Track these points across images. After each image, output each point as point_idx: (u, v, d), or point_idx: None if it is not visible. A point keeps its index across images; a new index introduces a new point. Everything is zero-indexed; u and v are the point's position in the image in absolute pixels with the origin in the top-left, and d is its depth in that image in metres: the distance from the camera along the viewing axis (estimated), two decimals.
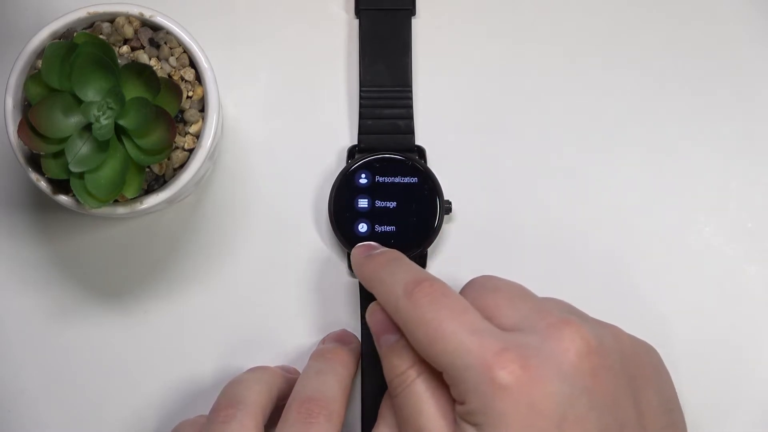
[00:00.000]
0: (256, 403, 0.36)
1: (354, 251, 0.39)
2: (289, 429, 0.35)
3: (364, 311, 0.41)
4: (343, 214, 0.41)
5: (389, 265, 0.36)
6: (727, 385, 0.42)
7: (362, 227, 0.41)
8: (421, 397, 0.33)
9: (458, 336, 0.32)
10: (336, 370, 0.38)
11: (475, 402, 0.31)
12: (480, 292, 0.35)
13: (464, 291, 0.35)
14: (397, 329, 0.35)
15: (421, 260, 0.42)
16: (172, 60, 0.38)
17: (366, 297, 0.41)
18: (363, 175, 0.41)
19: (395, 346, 0.35)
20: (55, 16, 0.38)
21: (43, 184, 0.37)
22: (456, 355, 0.32)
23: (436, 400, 0.33)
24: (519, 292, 0.35)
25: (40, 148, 0.35)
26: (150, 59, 0.38)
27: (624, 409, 0.32)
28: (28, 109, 0.36)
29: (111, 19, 0.38)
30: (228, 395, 0.37)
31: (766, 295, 0.43)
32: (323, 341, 0.41)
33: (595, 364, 0.32)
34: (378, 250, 0.38)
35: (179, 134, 0.38)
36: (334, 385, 0.37)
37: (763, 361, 0.42)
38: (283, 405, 0.37)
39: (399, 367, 0.34)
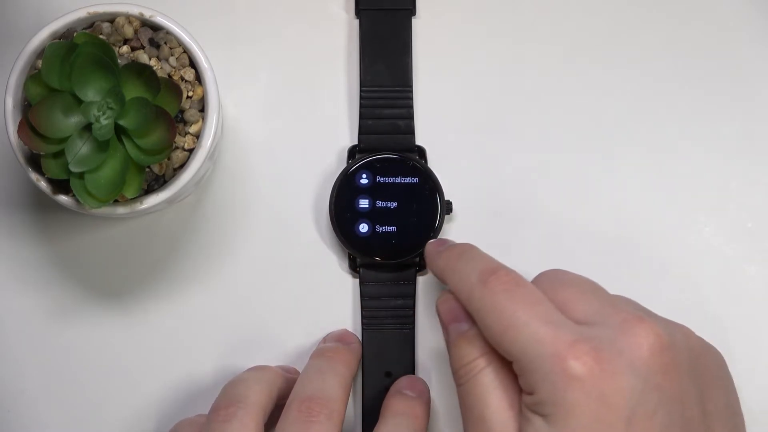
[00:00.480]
0: (256, 402, 0.36)
1: (428, 246, 0.39)
2: (290, 427, 0.35)
3: (364, 311, 0.41)
4: (344, 214, 0.41)
5: (464, 255, 0.36)
6: None
7: (363, 227, 0.41)
8: (488, 387, 0.34)
9: (532, 325, 0.32)
10: (337, 370, 0.38)
11: (545, 392, 0.31)
12: (552, 284, 0.35)
13: (536, 283, 0.35)
14: (469, 319, 0.35)
15: (422, 260, 0.42)
16: (172, 60, 0.38)
17: (367, 297, 0.41)
18: (363, 175, 0.41)
19: (466, 335, 0.35)
20: (55, 16, 0.38)
21: (43, 184, 0.37)
22: (529, 344, 0.32)
23: (503, 390, 0.33)
24: (591, 287, 0.35)
25: (40, 148, 0.35)
26: (150, 59, 0.38)
27: (691, 408, 0.32)
28: (28, 109, 0.36)
29: (111, 19, 0.38)
30: (228, 394, 0.37)
31: (766, 295, 0.43)
32: (324, 340, 0.41)
33: (667, 361, 0.32)
34: (451, 243, 0.38)
35: (179, 134, 0.38)
36: (335, 384, 0.37)
37: (763, 362, 0.42)
38: (283, 404, 0.37)
39: (468, 356, 0.34)
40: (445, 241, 0.39)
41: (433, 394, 0.41)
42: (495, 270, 0.34)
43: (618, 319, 0.33)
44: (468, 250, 0.37)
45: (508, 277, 0.34)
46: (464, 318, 0.35)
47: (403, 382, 0.40)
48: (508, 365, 0.33)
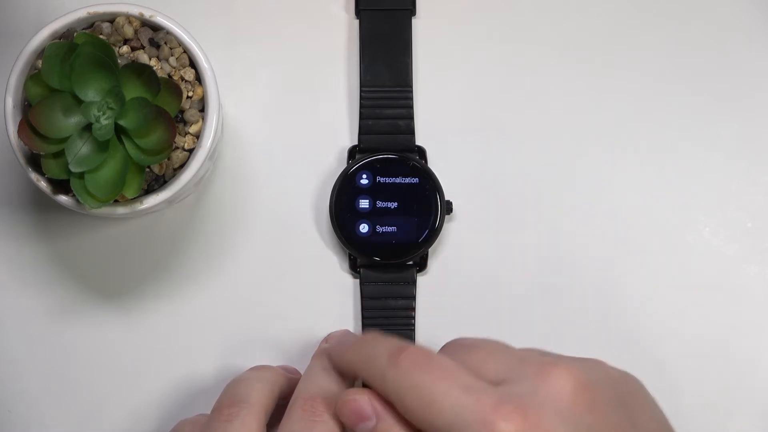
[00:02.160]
0: (259, 402, 0.36)
1: (329, 341, 0.39)
2: (293, 426, 0.35)
3: (365, 311, 0.41)
4: (344, 215, 0.41)
5: (368, 343, 0.35)
6: (726, 386, 0.42)
7: (363, 227, 0.41)
8: None
9: (452, 395, 0.31)
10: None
11: None
12: (459, 351, 0.34)
13: (442, 353, 0.35)
14: (373, 413, 0.34)
15: (422, 260, 0.42)
16: (172, 60, 0.38)
17: (367, 297, 0.41)
18: (364, 176, 0.41)
19: (375, 430, 0.34)
20: (55, 16, 0.38)
21: (43, 184, 0.37)
22: (453, 414, 0.31)
23: None
24: (497, 346, 0.34)
25: (40, 148, 0.35)
26: (150, 59, 0.38)
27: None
28: (28, 109, 0.36)
29: (111, 19, 0.38)
30: (230, 394, 0.37)
31: (766, 295, 0.43)
32: (325, 341, 0.41)
33: (591, 399, 0.32)
34: (353, 336, 0.38)
35: (179, 134, 0.38)
36: (338, 383, 0.37)
37: (763, 361, 0.42)
38: (284, 404, 0.37)
39: None
40: (345, 333, 0.40)
41: None
42: (403, 348, 0.33)
43: (532, 371, 0.32)
44: (371, 338, 0.36)
45: (417, 352, 0.33)
46: (368, 414, 0.34)
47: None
48: None
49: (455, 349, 0.35)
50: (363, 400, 0.34)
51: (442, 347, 0.36)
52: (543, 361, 0.33)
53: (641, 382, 0.35)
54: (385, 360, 0.33)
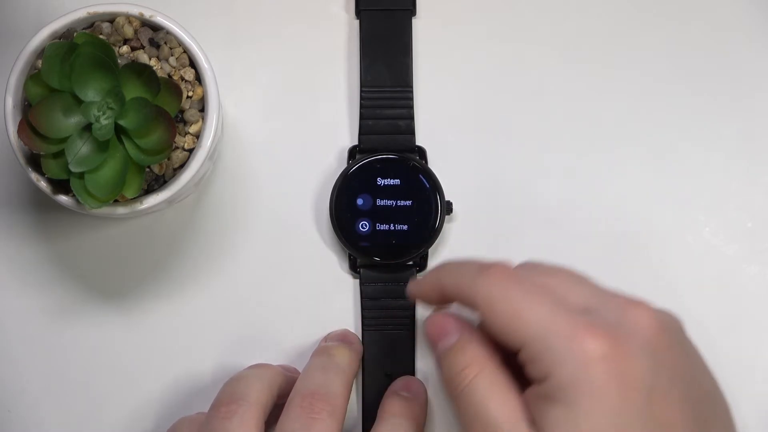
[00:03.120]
0: (257, 399, 0.36)
1: (409, 285, 0.39)
2: (292, 423, 0.35)
3: (365, 311, 0.41)
4: (345, 215, 0.41)
5: (449, 263, 0.36)
6: (725, 385, 0.42)
7: (363, 227, 0.41)
8: (486, 391, 0.33)
9: (543, 308, 0.32)
10: (339, 368, 0.38)
11: (563, 374, 0.31)
12: (540, 273, 0.35)
13: (520, 269, 0.35)
14: (456, 330, 0.35)
15: (422, 260, 0.42)
16: (172, 60, 0.38)
17: (367, 297, 0.41)
18: (364, 176, 0.41)
19: (455, 346, 0.35)
20: (55, 16, 0.38)
21: (43, 184, 0.37)
22: (543, 325, 0.32)
23: (502, 391, 0.33)
24: (578, 275, 0.35)
25: (40, 148, 0.35)
26: (150, 59, 0.38)
27: (697, 385, 0.33)
28: (28, 109, 0.36)
29: (111, 19, 0.38)
30: (229, 391, 0.37)
31: (766, 295, 0.43)
32: (325, 340, 0.41)
33: (671, 340, 0.33)
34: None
35: (179, 134, 0.38)
36: (337, 382, 0.37)
37: (763, 361, 0.42)
38: (283, 403, 0.37)
39: (459, 364, 0.34)
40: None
41: (431, 395, 0.41)
42: (494, 263, 0.34)
43: (616, 304, 0.33)
44: (449, 260, 0.37)
45: (508, 267, 0.34)
46: (451, 330, 0.35)
47: (399, 383, 0.40)
48: (502, 367, 0.33)
49: (534, 270, 0.35)
50: (449, 318, 0.35)
51: (519, 265, 0.36)
52: (625, 297, 0.33)
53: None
54: (477, 269, 0.34)
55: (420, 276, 0.39)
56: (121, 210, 0.37)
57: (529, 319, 0.32)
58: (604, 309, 0.33)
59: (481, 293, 0.33)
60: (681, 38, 0.44)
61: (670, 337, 0.33)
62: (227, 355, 0.42)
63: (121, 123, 0.35)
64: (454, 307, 0.37)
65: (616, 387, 0.31)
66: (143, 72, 0.35)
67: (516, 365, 0.33)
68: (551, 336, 0.31)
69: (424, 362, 0.42)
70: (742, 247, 0.43)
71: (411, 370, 0.41)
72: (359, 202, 0.41)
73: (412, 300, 0.39)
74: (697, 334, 0.41)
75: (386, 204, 0.41)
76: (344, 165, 0.42)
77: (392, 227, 0.41)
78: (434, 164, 0.42)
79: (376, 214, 0.41)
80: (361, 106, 0.42)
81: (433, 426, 0.42)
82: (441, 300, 0.37)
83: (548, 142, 0.43)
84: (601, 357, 0.31)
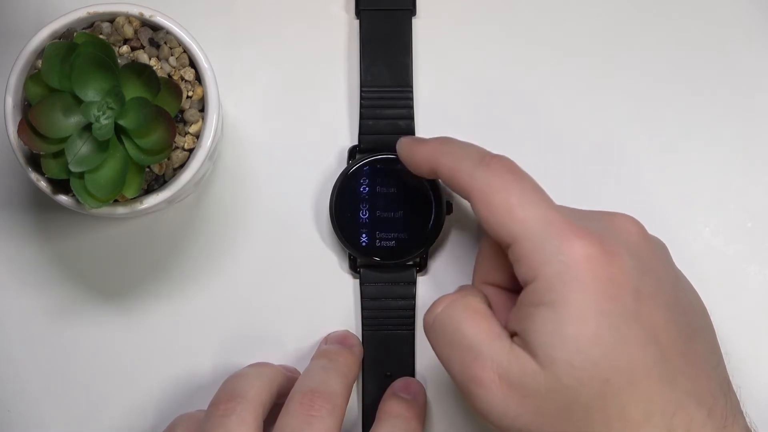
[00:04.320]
0: (256, 398, 0.36)
1: (402, 139, 0.38)
2: (291, 420, 0.35)
3: (365, 311, 0.41)
4: (345, 214, 0.41)
5: (453, 140, 0.36)
6: None
7: (363, 227, 0.41)
8: (460, 317, 0.34)
9: (541, 206, 0.32)
10: (340, 369, 0.38)
11: (551, 273, 0.31)
12: None
13: None
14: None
15: (422, 260, 0.42)
16: (172, 60, 0.38)
17: (367, 297, 0.41)
18: (364, 176, 0.41)
19: (437, 300, 0.35)
20: (55, 16, 0.38)
21: (43, 184, 0.37)
22: (536, 223, 0.32)
23: (477, 317, 0.34)
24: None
25: (40, 148, 0.35)
26: (150, 59, 0.38)
27: (684, 297, 0.34)
28: (28, 109, 0.36)
29: (111, 19, 0.38)
30: (228, 389, 0.37)
31: (766, 295, 0.43)
32: (325, 341, 0.41)
33: (653, 246, 0.33)
34: (427, 137, 0.38)
35: (179, 134, 0.38)
36: (337, 382, 0.37)
37: (763, 361, 0.42)
38: (282, 403, 0.37)
39: (435, 305, 0.35)
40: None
41: (431, 395, 0.41)
42: (494, 155, 0.34)
43: (602, 214, 0.34)
44: (451, 138, 0.37)
45: (509, 160, 0.34)
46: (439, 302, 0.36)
47: (398, 384, 0.40)
48: (477, 299, 0.34)
49: None
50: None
51: None
52: (610, 211, 0.34)
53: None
54: (477, 158, 0.34)
55: (410, 139, 0.38)
56: (121, 210, 0.37)
57: (524, 215, 0.32)
58: (592, 217, 0.34)
59: (479, 183, 0.34)
60: (681, 38, 0.44)
61: (655, 247, 0.34)
62: (227, 354, 0.42)
63: (121, 123, 0.35)
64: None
65: (602, 286, 0.31)
66: (143, 72, 0.35)
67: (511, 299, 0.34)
68: (542, 235, 0.32)
69: (424, 362, 0.42)
70: (742, 247, 0.43)
71: (411, 371, 0.41)
72: (359, 202, 0.41)
73: (400, 159, 0.38)
74: None
75: (386, 204, 0.41)
76: (344, 165, 0.42)
77: (392, 227, 0.41)
78: None
79: (376, 214, 0.41)
80: (361, 106, 0.42)
81: (432, 427, 0.42)
82: (430, 174, 0.37)
83: (548, 142, 0.43)
84: (589, 257, 0.31)
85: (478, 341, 0.33)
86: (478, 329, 0.33)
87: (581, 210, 0.35)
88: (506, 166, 0.34)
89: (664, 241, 0.36)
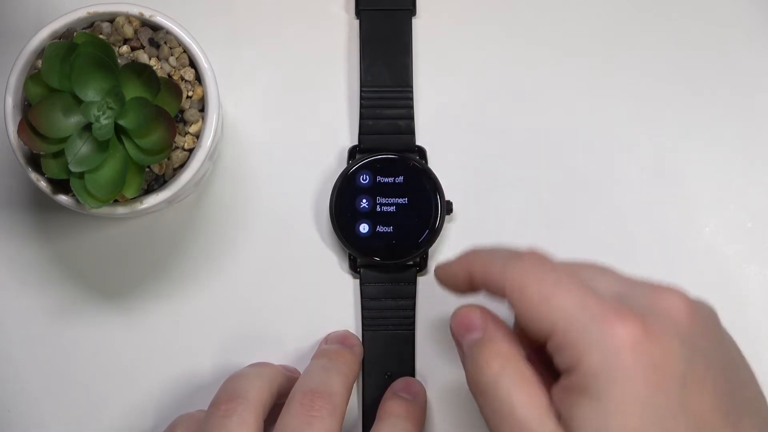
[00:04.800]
0: (257, 398, 0.36)
1: (437, 266, 0.37)
2: (291, 420, 0.35)
3: (365, 311, 0.41)
4: (345, 215, 0.41)
5: (480, 248, 0.35)
6: None
7: (363, 227, 0.41)
8: (512, 387, 0.32)
9: (575, 293, 0.31)
10: (340, 369, 0.38)
11: (593, 362, 0.30)
12: (569, 265, 0.34)
13: None
14: (481, 324, 0.34)
15: (422, 260, 0.42)
16: (172, 60, 0.38)
17: (367, 297, 0.41)
18: (364, 176, 0.41)
19: (482, 340, 0.34)
20: (55, 16, 0.38)
21: (43, 184, 0.37)
22: (573, 312, 0.31)
23: (528, 386, 0.32)
24: (602, 265, 0.34)
25: (40, 148, 0.35)
26: (150, 59, 0.38)
27: (732, 372, 0.32)
28: (28, 109, 0.36)
29: (111, 19, 0.38)
30: (229, 389, 0.37)
31: (766, 295, 0.43)
32: (325, 340, 0.41)
33: (705, 326, 0.32)
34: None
35: (179, 134, 0.38)
36: (338, 382, 0.37)
37: (762, 362, 0.42)
38: (283, 403, 0.37)
39: (485, 359, 0.33)
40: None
41: (431, 395, 0.41)
42: (527, 250, 0.34)
43: (645, 290, 0.32)
44: (479, 246, 0.36)
45: (540, 254, 0.33)
46: (477, 325, 0.34)
47: (399, 384, 0.40)
48: (527, 362, 0.32)
49: (563, 262, 0.34)
50: (474, 313, 0.34)
51: None
52: (654, 284, 0.32)
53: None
54: (509, 255, 0.33)
55: (443, 262, 0.37)
56: (121, 210, 0.37)
57: (560, 304, 0.31)
58: (634, 295, 0.32)
59: (512, 278, 0.33)
60: (681, 38, 0.44)
61: (704, 324, 0.32)
62: (227, 354, 0.42)
63: (121, 123, 0.35)
64: (481, 300, 0.36)
65: (647, 375, 0.29)
66: (143, 72, 0.35)
67: (544, 362, 0.32)
68: (581, 322, 0.30)
69: (424, 362, 0.42)
70: (742, 247, 0.43)
71: (411, 371, 0.41)
72: (359, 202, 0.41)
73: (439, 284, 0.37)
74: None
75: (386, 204, 0.41)
76: (344, 165, 0.42)
77: (392, 227, 0.41)
78: (434, 164, 0.42)
79: (376, 214, 0.41)
80: (361, 106, 0.42)
81: (432, 428, 0.42)
82: (468, 288, 0.36)
83: (548, 142, 0.43)
84: (632, 343, 0.30)
85: (527, 418, 0.31)
86: (529, 405, 0.32)
87: (625, 281, 0.33)
88: (537, 257, 0.33)
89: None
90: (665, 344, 0.30)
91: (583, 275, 0.33)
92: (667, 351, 0.30)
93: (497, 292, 0.33)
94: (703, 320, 0.32)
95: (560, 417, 0.31)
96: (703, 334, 0.31)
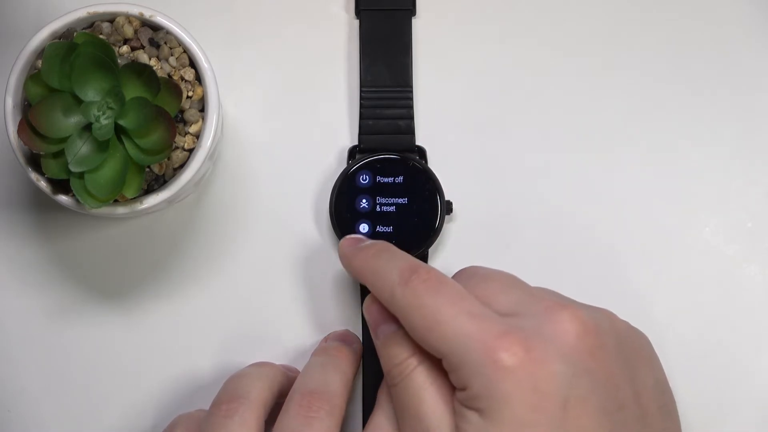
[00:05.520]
0: (258, 398, 0.36)
1: (342, 244, 0.38)
2: (291, 422, 0.35)
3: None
4: (345, 215, 0.41)
5: (381, 255, 0.36)
6: (725, 386, 0.42)
7: (363, 228, 0.41)
8: (422, 386, 0.33)
9: (458, 320, 0.32)
10: (339, 367, 0.38)
11: (478, 386, 0.31)
12: (472, 280, 0.35)
13: (455, 279, 0.36)
14: (395, 319, 0.35)
15: (423, 260, 0.42)
16: (172, 60, 0.38)
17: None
18: (364, 176, 0.41)
19: (394, 336, 0.35)
20: (55, 16, 0.38)
21: (43, 184, 0.37)
22: (456, 339, 0.32)
23: (436, 387, 0.33)
24: (511, 281, 0.35)
25: (40, 148, 0.35)
26: (150, 59, 0.38)
27: (623, 390, 0.32)
28: (28, 109, 0.36)
29: (111, 19, 0.38)
30: (230, 389, 0.37)
31: (766, 295, 0.43)
32: (326, 339, 0.41)
33: (594, 345, 0.32)
34: (367, 242, 0.38)
35: (179, 134, 0.38)
36: (336, 380, 0.37)
37: (762, 362, 0.42)
38: (283, 402, 0.37)
39: (398, 356, 0.34)
40: (360, 239, 0.39)
41: None
42: (415, 268, 0.34)
43: (541, 308, 0.33)
44: (384, 249, 0.37)
45: (429, 274, 0.34)
46: (391, 319, 0.35)
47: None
48: (438, 363, 0.33)
49: (468, 277, 0.35)
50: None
51: (456, 273, 0.36)
52: (553, 301, 0.33)
53: (647, 338, 0.35)
54: (397, 277, 0.34)
55: (350, 244, 0.38)
56: (121, 210, 0.37)
57: (444, 333, 0.32)
58: (528, 314, 0.33)
59: (398, 304, 0.34)
60: (681, 38, 0.44)
61: (597, 340, 0.32)
62: (227, 354, 0.42)
63: (121, 123, 0.35)
64: None
65: (527, 397, 0.30)
66: (143, 72, 0.35)
67: None
68: (466, 348, 0.31)
69: None
70: (742, 247, 0.43)
71: None
72: (359, 202, 0.41)
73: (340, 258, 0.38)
74: (696, 334, 0.42)
75: (386, 204, 0.41)
76: (344, 165, 0.42)
77: (392, 227, 0.41)
78: (434, 164, 0.42)
79: (376, 214, 0.41)
80: (361, 106, 0.42)
81: None
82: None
83: (548, 142, 0.43)
84: (513, 367, 0.31)
85: (429, 418, 0.33)
86: (434, 407, 0.33)
87: (524, 298, 0.34)
88: (424, 282, 0.33)
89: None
90: (547, 367, 0.31)
91: (480, 290, 0.34)
92: (548, 373, 0.31)
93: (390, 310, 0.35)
94: (594, 336, 0.32)
95: (456, 425, 0.32)
96: (591, 352, 0.32)
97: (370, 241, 0.38)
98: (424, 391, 0.33)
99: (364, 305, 0.37)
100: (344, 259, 0.38)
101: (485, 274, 0.35)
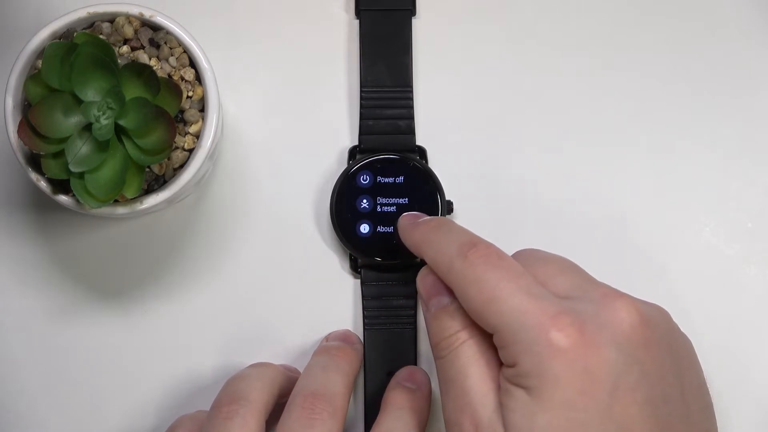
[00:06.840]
0: (258, 399, 0.36)
1: (401, 219, 0.39)
2: (293, 424, 0.35)
3: (366, 311, 0.41)
4: (345, 215, 0.41)
5: (441, 228, 0.36)
6: (725, 386, 0.42)
7: (364, 228, 0.41)
8: (469, 360, 0.33)
9: (515, 297, 0.32)
10: (340, 367, 0.38)
11: (528, 363, 0.31)
12: (531, 261, 0.35)
13: (515, 259, 0.35)
14: (450, 292, 0.35)
15: (423, 260, 0.42)
16: (172, 60, 0.38)
17: (368, 297, 0.41)
18: (364, 176, 0.41)
19: (448, 308, 0.35)
20: (55, 16, 0.38)
21: (43, 184, 0.37)
22: (512, 315, 0.32)
23: (483, 363, 0.33)
24: (569, 265, 0.35)
25: (40, 148, 0.35)
26: (150, 59, 0.38)
27: (670, 385, 0.32)
28: (28, 109, 0.36)
29: (111, 19, 0.38)
30: (230, 391, 0.37)
31: (766, 295, 0.43)
32: (326, 339, 0.41)
33: (647, 337, 0.32)
34: (426, 218, 0.38)
35: (179, 134, 0.38)
36: (338, 381, 0.37)
37: (763, 362, 0.42)
38: (284, 403, 0.37)
39: (449, 329, 0.34)
40: (419, 215, 0.39)
41: (433, 394, 0.41)
42: (475, 243, 0.34)
43: (598, 294, 0.33)
44: (445, 223, 0.37)
45: (489, 250, 0.34)
46: (445, 292, 0.35)
47: (403, 373, 0.40)
48: (489, 338, 0.33)
49: (526, 257, 0.35)
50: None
51: (516, 252, 0.36)
52: (611, 288, 0.33)
53: (692, 343, 0.35)
54: (456, 250, 0.34)
55: (416, 221, 0.38)
56: (121, 210, 0.37)
57: (500, 308, 0.32)
58: (584, 299, 0.33)
59: (455, 277, 0.34)
60: (681, 38, 0.44)
61: (650, 332, 0.32)
62: (227, 354, 0.42)
63: (121, 123, 0.35)
64: None
65: (576, 379, 0.30)
66: (143, 72, 0.35)
67: None
68: (520, 325, 0.31)
69: (425, 361, 0.42)
70: (742, 247, 0.43)
71: None
72: (360, 202, 0.41)
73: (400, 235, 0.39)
74: (696, 334, 0.42)
75: (387, 204, 0.41)
76: (344, 165, 0.42)
77: (393, 227, 0.41)
78: (434, 164, 0.42)
79: (376, 215, 0.41)
80: (361, 106, 0.42)
81: (436, 422, 0.42)
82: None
83: (548, 142, 0.43)
84: (566, 348, 0.30)
85: (474, 393, 0.33)
86: (480, 382, 0.33)
87: (582, 283, 0.34)
88: (483, 257, 0.33)
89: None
90: (599, 352, 0.31)
91: (539, 271, 0.34)
92: (600, 359, 0.31)
93: (446, 283, 0.35)
94: (649, 329, 0.32)
95: (500, 402, 0.32)
96: (646, 343, 0.32)
97: (429, 217, 0.38)
98: (471, 365, 0.33)
99: (418, 276, 0.36)
100: (404, 232, 0.38)
101: (544, 257, 0.35)
